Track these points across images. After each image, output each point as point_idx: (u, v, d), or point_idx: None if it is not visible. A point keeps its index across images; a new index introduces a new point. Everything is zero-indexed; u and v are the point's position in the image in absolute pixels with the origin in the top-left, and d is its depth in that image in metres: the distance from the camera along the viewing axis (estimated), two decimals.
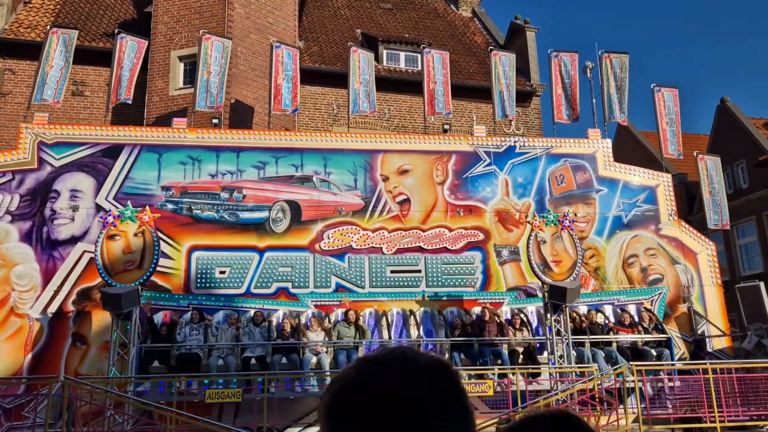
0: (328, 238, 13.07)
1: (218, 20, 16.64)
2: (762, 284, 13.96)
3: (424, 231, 13.43)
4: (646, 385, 10.94)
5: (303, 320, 12.00)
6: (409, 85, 19.34)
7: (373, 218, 13.37)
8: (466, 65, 21.23)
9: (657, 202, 14.42)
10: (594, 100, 16.17)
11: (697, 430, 10.40)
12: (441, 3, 25.29)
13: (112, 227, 10.55)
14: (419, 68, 18.17)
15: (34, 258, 12.04)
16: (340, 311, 12.16)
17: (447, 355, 11.45)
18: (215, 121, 14.43)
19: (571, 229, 11.79)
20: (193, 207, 12.81)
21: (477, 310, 12.45)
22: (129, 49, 14.16)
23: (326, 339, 11.41)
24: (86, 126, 13.75)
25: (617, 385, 10.48)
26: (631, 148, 25.44)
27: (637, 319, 12.53)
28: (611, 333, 12.13)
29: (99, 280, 11.09)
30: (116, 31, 14.67)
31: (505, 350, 11.62)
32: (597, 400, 10.40)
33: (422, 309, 12.66)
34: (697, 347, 13.29)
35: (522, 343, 11.87)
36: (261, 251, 12.78)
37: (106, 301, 10.19)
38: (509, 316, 12.35)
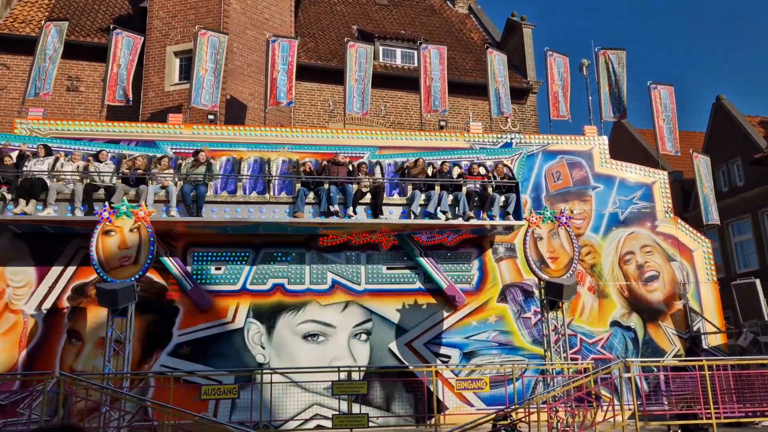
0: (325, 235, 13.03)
1: (214, 16, 16.57)
2: (757, 281, 14.02)
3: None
4: (642, 382, 10.97)
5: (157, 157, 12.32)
6: (406, 81, 19.32)
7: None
8: (462, 62, 21.21)
9: (653, 200, 14.45)
10: (590, 98, 16.20)
11: (692, 426, 10.42)
12: (437, 0, 25.26)
13: (107, 223, 10.49)
14: (415, 65, 18.15)
15: (29, 254, 11.97)
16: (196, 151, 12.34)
17: (295, 192, 11.92)
18: (211, 117, 14.36)
19: (568, 226, 11.79)
20: None
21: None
22: (125, 45, 14.08)
23: (174, 173, 11.83)
24: (81, 121, 13.67)
25: (613, 382, 10.50)
26: (627, 146, 25.48)
27: (489, 171, 13.16)
28: (461, 180, 12.73)
29: (94, 276, 11.04)
30: (111, 26, 14.58)
31: (352, 189, 12.06)
32: (593, 396, 10.42)
33: (281, 159, 12.92)
34: (693, 344, 13.34)
35: (369, 186, 12.37)
36: (256, 248, 12.74)
37: (102, 297, 10.15)
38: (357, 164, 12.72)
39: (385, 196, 12.36)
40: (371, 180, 12.44)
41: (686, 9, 74.28)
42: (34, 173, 11.31)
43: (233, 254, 12.64)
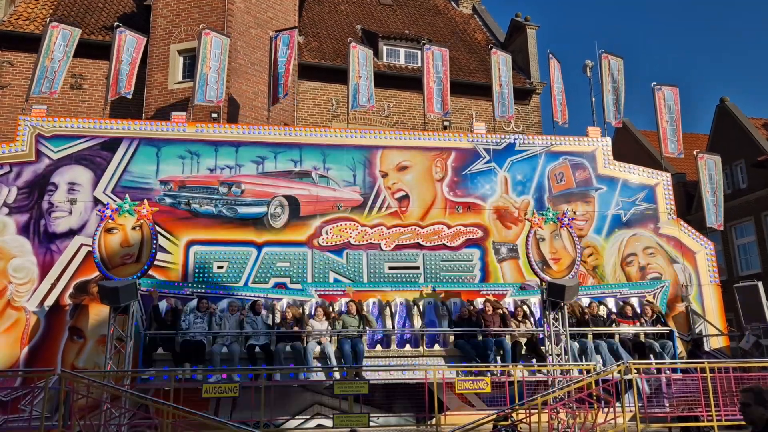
0: (327, 234, 13.05)
1: (218, 14, 16.58)
2: (760, 284, 13.97)
3: (422, 227, 13.42)
4: (643, 383, 10.95)
5: (307, 309, 12.03)
6: (409, 81, 19.31)
7: (372, 214, 13.35)
8: (466, 62, 21.19)
9: (656, 201, 14.42)
10: (594, 99, 16.18)
11: (694, 428, 10.39)
12: (441, 0, 25.25)
13: (110, 220, 10.50)
14: (419, 65, 18.15)
15: (31, 251, 12.00)
16: (343, 301, 12.19)
17: (450, 344, 11.66)
18: (214, 115, 14.38)
19: (570, 227, 11.77)
20: (191, 201, 12.78)
21: (480, 301, 12.48)
22: (128, 44, 14.09)
23: (329, 328, 11.43)
24: (85, 119, 13.69)
25: (615, 383, 10.47)
26: (631, 147, 25.45)
27: (639, 311, 12.58)
28: (613, 325, 12.15)
29: (96, 273, 11.05)
30: (115, 24, 14.60)
31: (508, 341, 11.65)
32: (594, 397, 10.40)
33: (425, 300, 12.68)
34: (695, 346, 13.30)
35: (525, 335, 11.90)
36: (259, 246, 12.75)
37: (104, 294, 10.16)
38: (512, 308, 12.40)
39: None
40: (525, 329, 11.86)
41: (691, 11, 74.14)
42: (194, 335, 10.84)
43: (235, 252, 12.65)
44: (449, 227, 13.49)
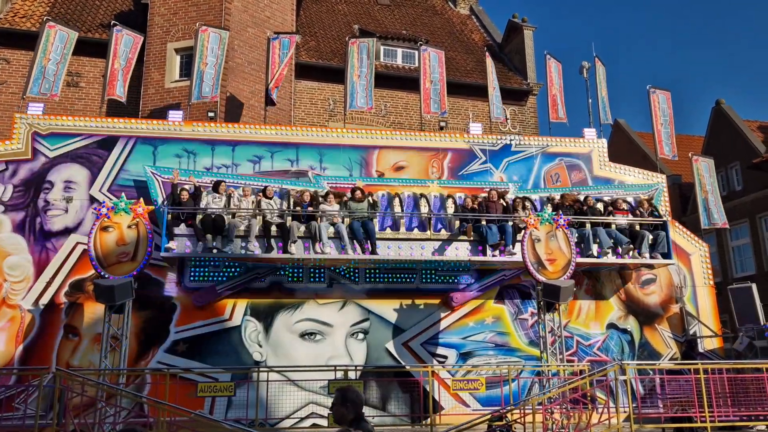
0: None
1: (215, 13, 16.58)
2: (754, 286, 14.04)
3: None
4: (638, 384, 11.00)
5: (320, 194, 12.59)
6: (406, 81, 19.34)
7: None
8: (463, 63, 21.23)
9: None
10: (590, 101, 16.24)
11: (687, 429, 10.44)
12: (439, 0, 25.28)
13: (105, 219, 10.49)
14: (416, 65, 18.16)
15: (26, 249, 11.99)
16: (350, 190, 12.64)
17: (456, 228, 12.50)
18: (211, 114, 14.38)
19: (566, 228, 11.81)
20: None
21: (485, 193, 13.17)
22: (124, 44, 14.07)
23: (341, 211, 12.11)
24: (81, 117, 13.67)
25: (609, 383, 10.52)
26: (626, 149, 25.52)
27: (634, 205, 13.33)
28: (610, 216, 12.88)
29: (92, 271, 11.04)
30: (112, 23, 14.58)
31: (510, 226, 12.31)
32: (588, 398, 10.44)
33: (432, 194, 13.17)
34: (689, 347, 13.36)
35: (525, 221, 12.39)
36: None
37: (99, 293, 10.15)
38: (512, 200, 13.06)
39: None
40: (525, 215, 12.39)
41: (688, 13, 74.36)
42: (214, 210, 11.64)
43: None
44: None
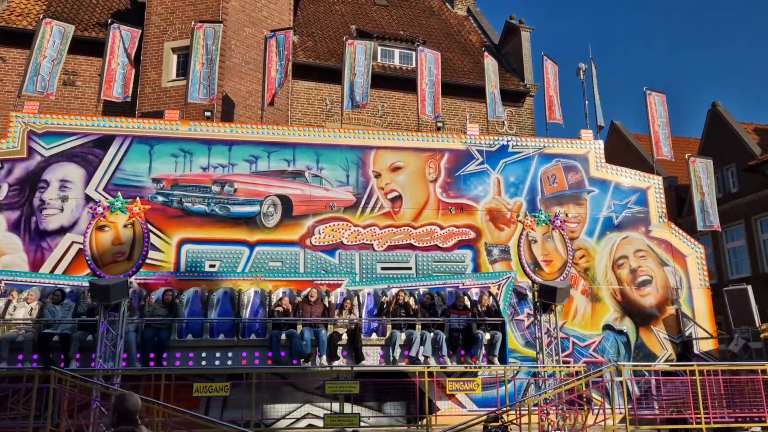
0: (319, 234, 13.05)
1: (213, 12, 16.55)
2: (749, 288, 14.08)
3: (415, 228, 13.44)
4: (633, 386, 11.01)
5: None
6: (403, 82, 19.33)
7: (365, 215, 13.36)
8: (460, 64, 21.23)
9: (647, 204, 14.51)
10: (587, 102, 16.26)
11: (682, 431, 10.45)
12: (436, 1, 25.28)
13: (101, 218, 10.45)
14: (413, 66, 18.16)
15: (22, 248, 11.94)
16: (162, 289, 11.61)
17: (267, 336, 11.11)
18: (208, 113, 14.35)
19: (562, 229, 11.82)
20: (183, 200, 12.76)
21: (307, 290, 11.97)
22: (122, 40, 14.01)
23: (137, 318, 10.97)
24: (77, 116, 13.62)
25: (604, 385, 10.53)
26: (623, 150, 25.56)
27: (476, 302, 12.25)
28: (443, 316, 11.82)
29: (87, 271, 10.99)
30: (110, 21, 14.54)
31: (324, 335, 11.12)
32: (584, 399, 10.44)
33: (252, 289, 12.19)
34: (684, 349, 13.39)
35: (346, 326, 11.42)
36: (251, 245, 12.74)
37: (95, 292, 10.10)
38: (340, 301, 12.04)
39: (362, 337, 11.45)
40: (348, 320, 11.51)
41: (685, 16, 74.58)
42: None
43: (227, 251, 12.62)
44: (442, 228, 13.52)
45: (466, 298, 12.37)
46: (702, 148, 23.43)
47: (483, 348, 11.53)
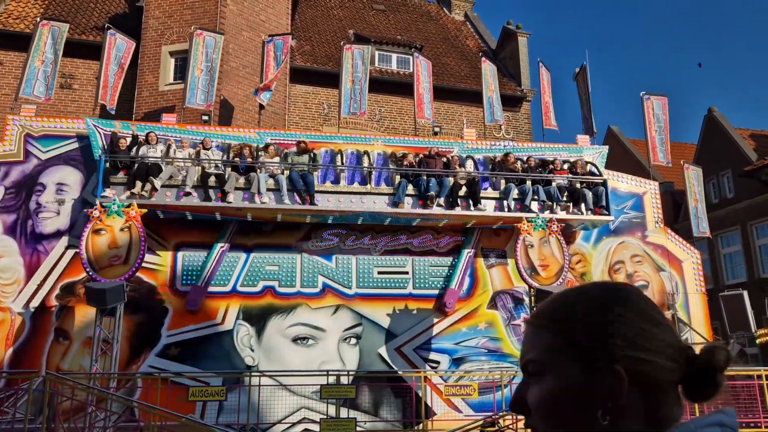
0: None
1: (210, 16, 16.56)
2: (745, 293, 14.12)
3: (412, 233, 13.43)
4: None
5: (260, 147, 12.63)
6: (400, 86, 19.35)
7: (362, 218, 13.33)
8: (457, 69, 21.28)
9: (644, 210, 14.54)
10: (583, 108, 16.31)
11: None
12: (434, 6, 25.36)
13: (98, 222, 10.44)
14: (411, 70, 18.20)
15: (17, 251, 11.89)
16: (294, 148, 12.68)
17: (396, 183, 12.46)
18: (205, 117, 14.33)
19: (559, 234, 11.84)
20: None
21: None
22: (116, 49, 14.03)
23: (281, 164, 12.19)
24: (74, 119, 13.60)
25: None
26: (620, 155, 25.62)
27: (573, 163, 13.61)
28: (551, 174, 13.18)
29: (83, 274, 10.98)
30: (106, 26, 14.54)
31: (449, 181, 12.48)
32: None
33: (376, 152, 13.19)
34: None
35: (465, 178, 12.76)
36: (248, 250, 12.72)
37: (91, 296, 10.09)
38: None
39: (480, 189, 12.79)
40: (467, 173, 12.85)
41: (682, 22, 74.92)
42: (150, 158, 11.61)
43: (224, 255, 12.59)
44: (438, 232, 13.51)
45: (565, 163, 13.58)
46: (698, 154, 23.52)
47: (589, 202, 12.84)
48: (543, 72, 15.94)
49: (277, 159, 12.24)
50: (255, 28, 17.30)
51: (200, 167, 11.91)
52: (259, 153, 12.41)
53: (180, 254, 12.44)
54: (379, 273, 13.06)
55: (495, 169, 13.12)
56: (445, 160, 12.92)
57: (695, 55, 75.08)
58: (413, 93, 15.24)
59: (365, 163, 12.89)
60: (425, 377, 11.30)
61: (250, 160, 12.01)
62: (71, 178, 12.46)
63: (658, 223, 14.47)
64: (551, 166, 13.43)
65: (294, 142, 12.73)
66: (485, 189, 12.97)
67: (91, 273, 10.26)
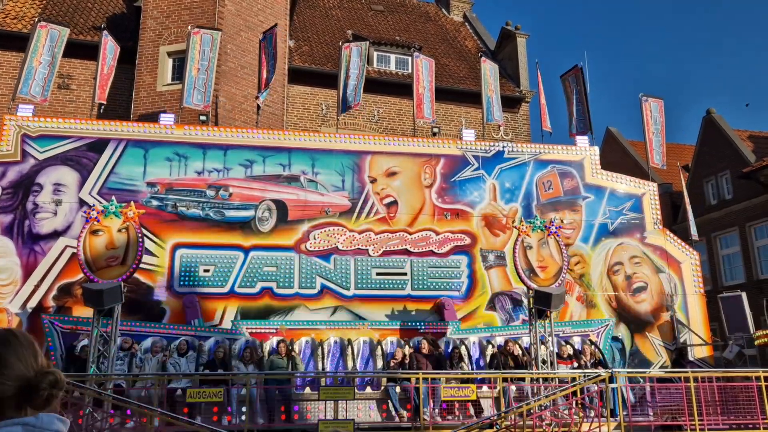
0: (314, 239, 13.00)
1: (208, 17, 16.53)
2: (744, 294, 14.09)
3: (410, 234, 13.41)
4: (628, 393, 10.99)
5: (236, 349, 11.36)
6: (399, 87, 19.33)
7: (360, 220, 13.33)
8: (456, 69, 21.26)
9: (642, 211, 14.52)
10: (579, 107, 16.27)
11: None
12: (432, 7, 25.34)
13: (95, 222, 10.39)
14: (409, 71, 18.18)
15: (14, 252, 11.85)
16: (274, 340, 11.56)
17: (382, 387, 11.11)
18: (203, 117, 14.30)
19: (558, 236, 11.82)
20: (178, 204, 12.70)
21: (417, 340, 11.93)
22: (108, 50, 14.02)
23: (256, 370, 10.77)
24: (71, 119, 13.56)
25: (600, 392, 10.50)
26: (618, 157, 25.61)
27: (579, 351, 12.03)
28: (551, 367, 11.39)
29: (81, 275, 10.93)
30: (102, 26, 14.50)
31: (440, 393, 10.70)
32: (579, 405, 10.42)
33: (361, 339, 12.19)
34: (679, 355, 13.38)
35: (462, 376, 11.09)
36: (246, 250, 12.68)
37: (88, 297, 10.04)
38: (449, 349, 11.84)
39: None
40: (461, 371, 11.28)
41: (681, 22, 75.01)
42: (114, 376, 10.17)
43: (222, 256, 12.57)
44: (437, 234, 13.50)
45: (568, 347, 11.94)
46: (697, 155, 23.50)
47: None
48: (540, 74, 15.96)
49: (251, 366, 10.73)
50: (253, 28, 17.27)
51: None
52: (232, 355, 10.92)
53: (178, 254, 12.40)
54: (378, 274, 13.03)
55: (492, 364, 11.48)
56: (436, 353, 11.33)
57: (695, 55, 75.13)
58: (412, 94, 15.21)
59: (348, 354, 11.72)
60: (424, 378, 11.25)
61: (220, 370, 10.54)
62: (68, 178, 12.42)
63: (657, 224, 14.46)
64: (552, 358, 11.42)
65: (273, 331, 11.41)
66: (481, 390, 10.96)
67: (88, 274, 10.20)
